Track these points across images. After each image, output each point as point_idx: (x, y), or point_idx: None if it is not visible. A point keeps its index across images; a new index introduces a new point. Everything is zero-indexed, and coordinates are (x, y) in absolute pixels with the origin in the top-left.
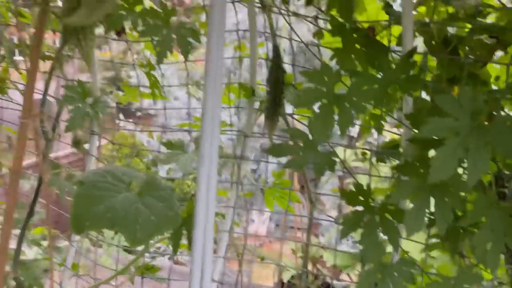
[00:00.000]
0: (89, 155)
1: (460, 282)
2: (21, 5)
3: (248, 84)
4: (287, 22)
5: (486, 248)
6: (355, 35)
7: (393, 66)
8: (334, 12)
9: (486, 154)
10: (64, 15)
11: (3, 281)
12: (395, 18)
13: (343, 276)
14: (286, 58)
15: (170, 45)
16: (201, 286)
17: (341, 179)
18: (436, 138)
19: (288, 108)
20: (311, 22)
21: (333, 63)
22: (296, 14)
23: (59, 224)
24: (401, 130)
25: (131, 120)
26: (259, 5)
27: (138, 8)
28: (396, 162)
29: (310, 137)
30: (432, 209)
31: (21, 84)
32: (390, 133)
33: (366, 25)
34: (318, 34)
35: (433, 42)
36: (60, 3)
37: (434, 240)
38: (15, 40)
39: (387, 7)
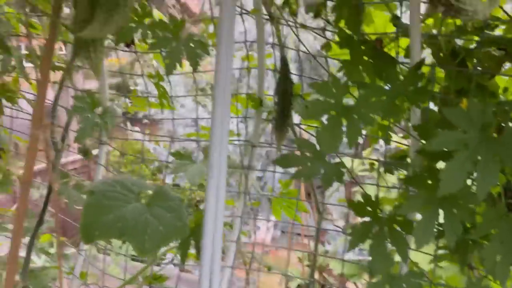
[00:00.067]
0: (97, 164)
1: None
2: (31, 16)
3: (256, 95)
4: (294, 34)
5: (495, 260)
6: (363, 47)
7: (401, 77)
8: (342, 24)
9: (496, 167)
10: (77, 28)
11: None
12: (403, 30)
13: (350, 285)
14: (292, 65)
15: (179, 57)
16: None
17: (348, 187)
18: (445, 149)
19: (295, 118)
20: (318, 34)
21: (339, 74)
22: (304, 26)
23: (65, 229)
24: (409, 140)
25: (137, 128)
26: (267, 17)
27: (147, 20)
28: (403, 172)
29: (318, 147)
30: (441, 220)
31: (31, 93)
32: (398, 143)
33: (373, 37)
34: (326, 46)
35: (441, 54)
36: (68, 13)
37: (442, 251)
38: (23, 48)
39: (395, 20)
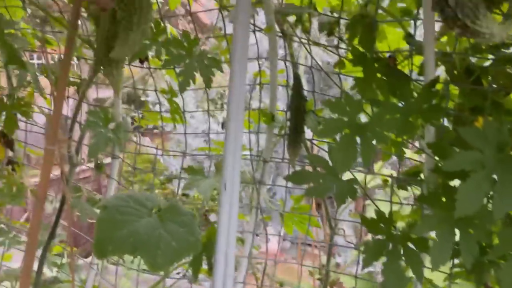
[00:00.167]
0: (110, 178)
1: None
2: (47, 32)
3: (268, 110)
4: (307, 50)
5: None
6: (376, 65)
7: (415, 95)
8: (355, 42)
9: None
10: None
11: None
12: (417, 47)
13: None
14: (302, 75)
15: (193, 74)
16: None
17: (358, 201)
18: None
19: (308, 133)
20: (331, 51)
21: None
22: (316, 44)
23: (75, 240)
24: (421, 155)
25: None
26: (280, 34)
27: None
28: (417, 187)
29: (330, 163)
30: (457, 238)
31: (45, 108)
32: (411, 159)
33: (386, 55)
34: (340, 64)
35: (455, 72)
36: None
37: (458, 269)
38: (36, 61)
39: (408, 37)
